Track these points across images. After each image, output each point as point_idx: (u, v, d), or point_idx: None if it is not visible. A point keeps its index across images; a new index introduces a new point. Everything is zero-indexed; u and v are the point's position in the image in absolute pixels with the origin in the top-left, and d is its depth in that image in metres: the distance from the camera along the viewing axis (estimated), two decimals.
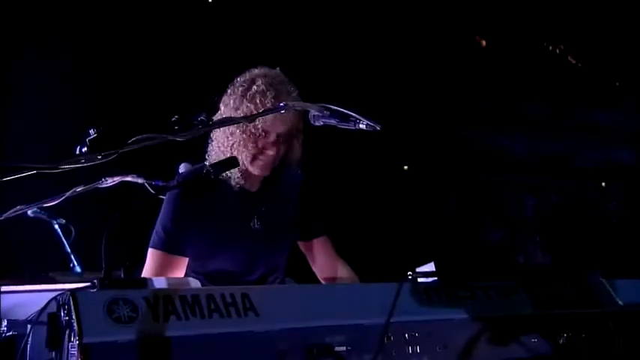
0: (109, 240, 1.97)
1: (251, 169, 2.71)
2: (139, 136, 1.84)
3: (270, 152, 2.66)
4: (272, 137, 2.66)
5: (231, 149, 2.67)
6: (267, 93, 2.61)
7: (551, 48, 8.09)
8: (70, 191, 2.66)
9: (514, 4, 7.53)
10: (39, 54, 5.52)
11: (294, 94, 2.67)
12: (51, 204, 2.68)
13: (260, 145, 2.66)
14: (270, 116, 2.56)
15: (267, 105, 2.57)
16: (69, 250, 4.08)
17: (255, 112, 2.55)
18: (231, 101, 2.67)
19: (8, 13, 5.27)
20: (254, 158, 2.68)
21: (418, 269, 2.15)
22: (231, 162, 2.54)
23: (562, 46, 7.99)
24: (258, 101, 2.60)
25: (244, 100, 2.63)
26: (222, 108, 2.69)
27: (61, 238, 4.10)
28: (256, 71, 2.72)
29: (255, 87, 2.64)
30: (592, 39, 7.84)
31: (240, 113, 2.61)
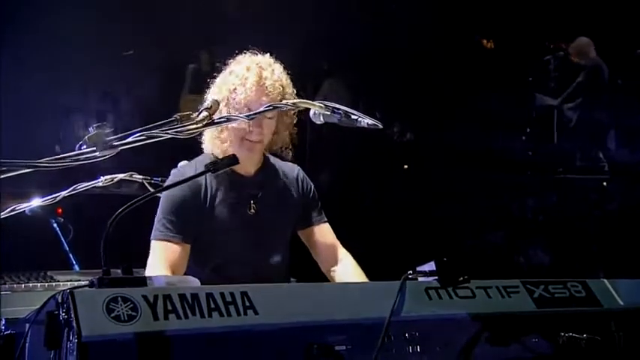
0: (108, 238, 1.96)
1: (241, 150, 2.74)
2: (139, 134, 1.83)
3: (259, 131, 2.73)
4: (259, 118, 2.70)
5: (220, 133, 2.75)
6: (251, 68, 2.71)
7: (552, 47, 8.09)
8: (69, 189, 2.65)
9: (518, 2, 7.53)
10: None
11: (280, 73, 2.76)
12: (49, 202, 2.67)
13: (249, 126, 2.71)
14: (252, 96, 2.65)
15: (250, 81, 2.67)
16: (67, 249, 4.07)
17: (238, 87, 2.68)
18: (218, 79, 2.77)
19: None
20: (244, 139, 2.74)
21: (419, 268, 2.14)
22: (231, 160, 2.54)
23: (564, 45, 8.00)
24: (241, 75, 2.70)
25: (230, 77, 2.73)
26: (211, 87, 2.79)
27: (59, 237, 4.09)
28: (245, 55, 2.82)
29: (240, 66, 2.74)
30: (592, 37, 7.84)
31: (224, 89, 2.71)
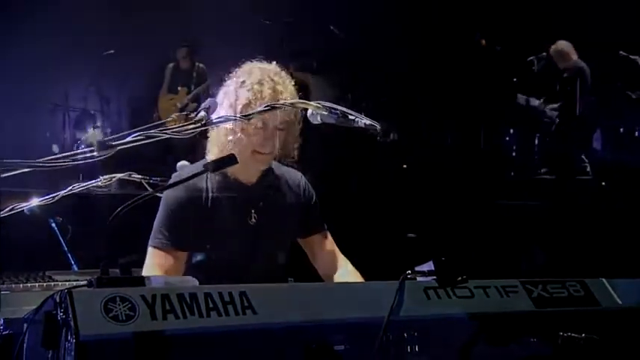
0: (106, 238, 1.96)
1: (252, 162, 2.73)
2: (138, 133, 1.83)
3: (271, 143, 2.70)
4: (271, 130, 2.69)
5: (231, 144, 2.69)
6: (265, 83, 2.66)
7: (549, 47, 8.10)
8: (68, 189, 2.65)
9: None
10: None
11: (291, 86, 2.72)
12: (48, 202, 2.67)
13: (261, 138, 2.68)
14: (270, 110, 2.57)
15: (265, 95, 2.63)
16: (66, 249, 4.06)
17: (253, 101, 2.62)
18: (229, 92, 2.71)
19: None
20: (255, 152, 2.70)
21: (417, 268, 2.14)
22: (230, 159, 2.53)
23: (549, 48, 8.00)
24: (255, 89, 2.65)
25: (242, 90, 2.68)
26: (219, 99, 2.71)
27: (58, 237, 4.08)
28: (252, 64, 2.78)
29: (252, 78, 2.69)
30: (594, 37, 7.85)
31: (238, 104, 2.65)
